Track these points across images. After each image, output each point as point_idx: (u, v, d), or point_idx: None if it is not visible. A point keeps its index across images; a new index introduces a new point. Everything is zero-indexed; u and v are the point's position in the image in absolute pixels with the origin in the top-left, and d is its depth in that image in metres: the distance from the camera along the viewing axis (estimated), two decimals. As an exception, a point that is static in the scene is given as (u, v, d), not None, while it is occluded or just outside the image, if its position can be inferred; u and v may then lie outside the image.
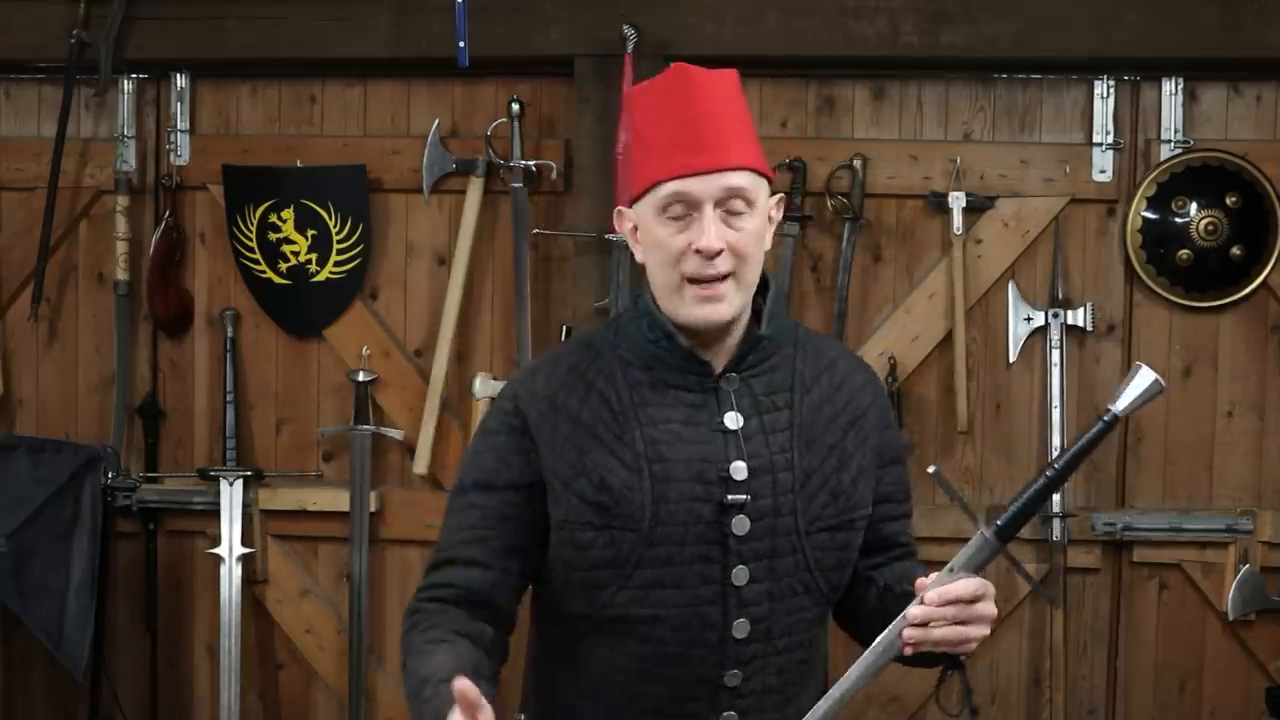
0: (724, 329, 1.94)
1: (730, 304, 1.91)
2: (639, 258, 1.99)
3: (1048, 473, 1.83)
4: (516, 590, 2.00)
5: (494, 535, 1.95)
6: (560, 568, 1.96)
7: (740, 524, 1.91)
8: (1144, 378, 1.78)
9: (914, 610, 1.83)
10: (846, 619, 2.12)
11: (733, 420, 1.94)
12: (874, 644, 1.89)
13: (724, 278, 1.89)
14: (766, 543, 1.92)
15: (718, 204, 1.88)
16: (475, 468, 1.99)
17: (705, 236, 1.86)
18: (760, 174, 1.92)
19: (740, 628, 1.92)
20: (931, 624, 1.83)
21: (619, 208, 2.04)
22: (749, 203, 1.90)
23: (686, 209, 1.88)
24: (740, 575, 1.91)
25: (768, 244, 1.96)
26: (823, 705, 1.88)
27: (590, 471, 1.92)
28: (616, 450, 1.93)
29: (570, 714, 2.02)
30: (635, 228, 1.97)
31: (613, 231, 3.15)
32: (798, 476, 1.94)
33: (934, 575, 1.87)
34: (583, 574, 1.94)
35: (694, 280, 1.89)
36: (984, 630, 1.85)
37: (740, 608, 1.92)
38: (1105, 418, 1.80)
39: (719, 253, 1.87)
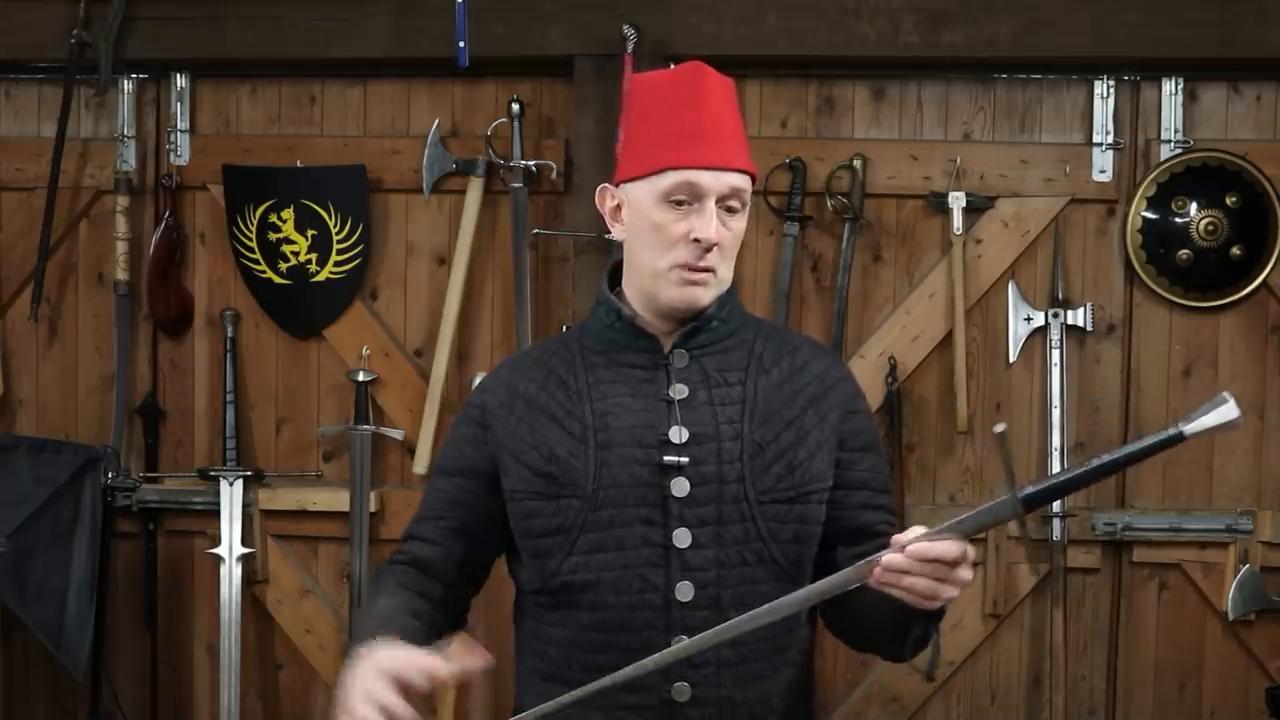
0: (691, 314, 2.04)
1: (710, 293, 2.02)
2: (616, 235, 2.09)
3: (1094, 462, 1.79)
4: (462, 569, 2.11)
5: (444, 516, 2.10)
6: (518, 540, 2.05)
7: (679, 485, 1.97)
8: (1226, 411, 1.74)
9: (893, 558, 1.78)
10: (832, 615, 2.10)
11: (677, 391, 2.02)
12: (841, 571, 1.84)
13: (710, 270, 1.99)
14: (712, 508, 1.97)
15: (720, 200, 1.97)
16: (440, 455, 2.16)
17: (709, 228, 1.96)
18: (752, 182, 2.03)
19: (684, 590, 1.96)
20: (905, 574, 1.78)
21: (603, 184, 2.11)
22: (742, 205, 2.01)
23: (691, 198, 1.97)
24: (682, 537, 1.97)
25: None
26: (766, 609, 1.84)
27: (540, 445, 2.02)
28: (567, 424, 2.02)
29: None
30: (619, 206, 2.07)
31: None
32: (747, 447, 1.99)
33: (912, 530, 1.80)
34: (532, 542, 2.02)
35: (684, 267, 1.98)
36: (955, 591, 1.81)
37: (684, 571, 1.96)
38: (1170, 432, 1.75)
39: (715, 245, 1.97)
